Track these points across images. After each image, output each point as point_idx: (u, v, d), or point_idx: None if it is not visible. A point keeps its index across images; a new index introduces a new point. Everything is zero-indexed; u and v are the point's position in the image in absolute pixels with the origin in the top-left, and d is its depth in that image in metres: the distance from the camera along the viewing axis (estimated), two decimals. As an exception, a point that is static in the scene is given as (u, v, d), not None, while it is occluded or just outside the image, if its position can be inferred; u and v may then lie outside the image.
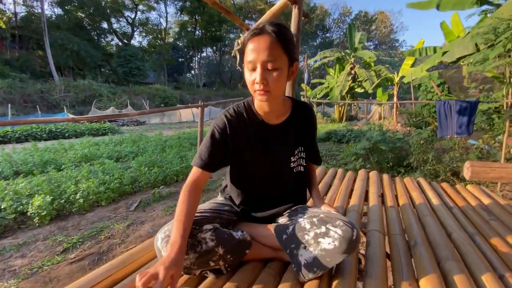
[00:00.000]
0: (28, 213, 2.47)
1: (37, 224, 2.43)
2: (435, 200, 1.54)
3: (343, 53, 13.64)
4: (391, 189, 1.74)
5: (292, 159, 0.97)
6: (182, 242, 0.70)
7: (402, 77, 9.44)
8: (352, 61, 13.25)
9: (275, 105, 0.91)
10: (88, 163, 4.24)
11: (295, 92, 2.26)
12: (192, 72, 36.07)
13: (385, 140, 4.17)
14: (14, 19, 20.63)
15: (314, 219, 0.85)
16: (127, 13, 26.58)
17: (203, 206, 0.97)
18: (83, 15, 23.58)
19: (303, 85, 15.70)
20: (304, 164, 1.01)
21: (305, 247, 0.82)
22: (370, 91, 11.49)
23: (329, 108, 20.70)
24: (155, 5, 27.97)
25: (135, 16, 27.08)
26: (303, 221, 0.86)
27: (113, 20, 25.90)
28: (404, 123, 8.01)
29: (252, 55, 0.77)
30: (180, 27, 29.63)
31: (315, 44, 40.09)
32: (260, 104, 0.91)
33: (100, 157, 4.79)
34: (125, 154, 5.18)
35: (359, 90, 13.38)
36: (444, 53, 4.59)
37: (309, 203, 1.43)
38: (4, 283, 1.66)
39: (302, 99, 4.01)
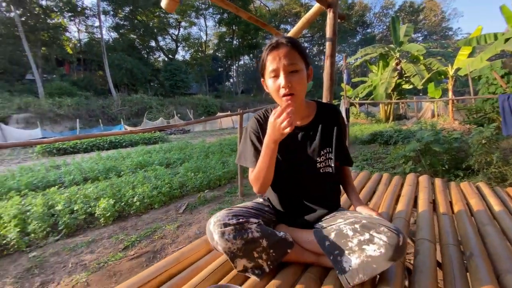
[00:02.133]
0: (96, 214, 2.85)
1: (102, 224, 2.78)
2: (497, 207, 1.38)
3: (386, 49, 12.80)
4: (444, 195, 1.59)
5: (318, 159, 0.99)
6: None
7: (458, 69, 8.47)
8: (398, 56, 12.35)
9: (299, 108, 0.96)
10: (142, 170, 4.70)
11: (332, 93, 2.22)
12: (231, 80, 37.39)
13: (439, 141, 3.80)
14: (78, 45, 23.99)
15: (357, 226, 0.84)
16: (171, 31, 28.84)
17: (247, 204, 1.03)
18: (135, 37, 26.29)
19: (343, 85, 15.18)
20: (332, 165, 1.01)
21: (349, 254, 0.81)
22: (419, 86, 10.54)
23: (373, 108, 19.51)
24: (195, 20, 29.86)
25: (178, 32, 29.22)
26: (345, 228, 0.86)
27: (159, 38, 28.35)
28: (463, 120, 7.17)
29: (274, 64, 0.86)
30: (219, 38, 31.07)
31: (355, 41, 38.32)
32: None
33: (152, 164, 5.27)
34: (174, 160, 5.61)
35: (407, 86, 12.38)
36: (506, 40, 4.02)
37: (351, 208, 1.41)
38: (77, 276, 1.94)
39: (342, 100, 3.89)
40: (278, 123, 0.79)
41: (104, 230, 2.68)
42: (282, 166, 0.98)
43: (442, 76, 9.80)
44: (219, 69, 34.16)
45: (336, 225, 0.91)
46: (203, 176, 3.99)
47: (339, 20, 2.23)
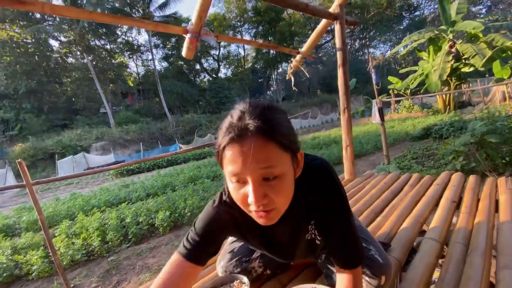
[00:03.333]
0: (156, 225, 3.35)
1: (161, 233, 3.26)
2: (528, 204, 1.28)
3: (436, 32, 11.58)
4: (472, 193, 1.53)
5: (307, 236, 0.78)
6: None
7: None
8: (451, 38, 11.05)
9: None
10: (193, 183, 5.24)
11: (349, 100, 2.27)
12: (272, 89, 38.00)
13: (496, 130, 3.39)
14: (137, 77, 27.56)
15: None
16: (212, 52, 30.99)
17: None
18: (182, 63, 29.04)
19: (391, 78, 14.12)
20: (320, 238, 0.79)
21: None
22: (480, 68, 9.26)
23: (429, 98, 17.54)
24: (233, 37, 31.57)
25: (219, 52, 31.22)
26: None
27: (203, 60, 30.73)
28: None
29: (236, 167, 0.52)
30: (256, 51, 32.12)
31: (401, 27, 35.30)
32: None
33: (201, 177, 5.82)
34: (219, 173, 6.09)
35: (466, 69, 10.93)
36: None
37: None
38: (143, 275, 2.36)
39: (374, 100, 3.77)
40: None
41: (163, 238, 3.14)
42: (263, 251, 0.89)
43: (509, 52, 8.43)
44: (259, 80, 35.17)
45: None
46: (245, 187, 4.28)
47: (352, 27, 2.30)
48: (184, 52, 1.58)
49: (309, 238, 0.78)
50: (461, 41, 11.11)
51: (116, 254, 2.90)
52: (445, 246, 1.18)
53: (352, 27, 2.32)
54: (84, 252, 2.88)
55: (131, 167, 9.59)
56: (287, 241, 0.79)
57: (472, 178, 1.74)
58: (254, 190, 0.52)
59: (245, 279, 0.93)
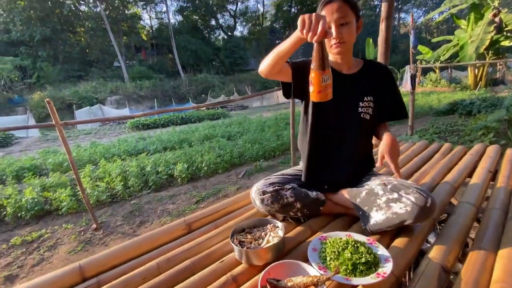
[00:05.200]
0: (174, 175, 3.48)
1: (179, 183, 3.39)
2: None
3: (481, -4, 10.33)
4: (510, 165, 1.46)
5: (361, 104, 1.07)
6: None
7: None
8: (496, 5, 9.86)
9: (347, 58, 1.07)
10: (208, 141, 5.32)
11: (388, 59, 2.11)
12: (289, 52, 36.18)
13: (536, 108, 3.16)
14: (151, 31, 26.56)
15: (388, 186, 0.93)
16: (229, 7, 29.09)
17: (286, 171, 1.19)
18: (197, 17, 27.56)
19: (421, 47, 13.05)
20: (371, 113, 1.08)
21: (376, 210, 0.91)
22: (524, 42, 8.38)
23: (459, 72, 16.32)
24: (253, -9, 29.25)
25: (236, 7, 29.28)
26: (376, 187, 0.96)
27: (219, 16, 29.03)
28: None
29: (327, 18, 0.91)
30: (276, 8, 29.91)
31: (440, -9, 31.62)
32: (334, 58, 1.07)
33: (216, 136, 5.87)
34: (234, 133, 6.11)
35: (507, 43, 9.94)
36: None
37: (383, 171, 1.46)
38: (163, 218, 2.51)
39: (408, 66, 3.52)
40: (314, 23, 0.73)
41: (181, 188, 3.28)
42: (324, 105, 0.98)
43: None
44: (277, 41, 33.32)
45: (368, 185, 1.02)
46: (259, 148, 4.30)
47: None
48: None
49: (361, 111, 1.07)
50: (506, 10, 9.95)
51: (138, 198, 3.07)
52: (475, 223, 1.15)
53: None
54: (108, 194, 3.06)
55: (146, 122, 9.77)
56: (343, 96, 1.04)
57: (510, 151, 1.66)
58: (336, 30, 0.96)
59: (278, 223, 0.95)
